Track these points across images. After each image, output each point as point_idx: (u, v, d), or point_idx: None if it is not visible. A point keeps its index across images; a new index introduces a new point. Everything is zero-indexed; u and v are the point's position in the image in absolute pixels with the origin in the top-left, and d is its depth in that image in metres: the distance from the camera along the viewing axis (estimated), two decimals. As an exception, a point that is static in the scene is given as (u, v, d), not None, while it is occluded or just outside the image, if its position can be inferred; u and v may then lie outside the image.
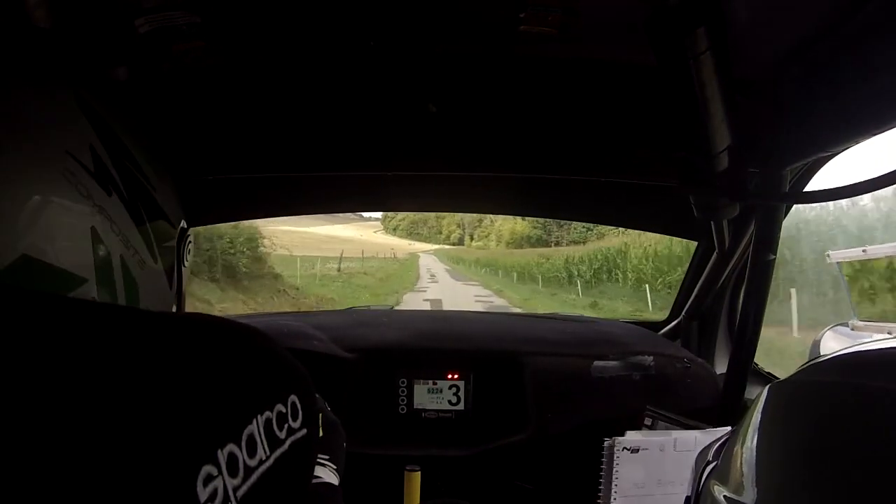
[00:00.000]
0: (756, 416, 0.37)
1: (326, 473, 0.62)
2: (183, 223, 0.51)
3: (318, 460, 0.63)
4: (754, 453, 0.34)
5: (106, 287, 0.39)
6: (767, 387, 0.39)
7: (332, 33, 0.70)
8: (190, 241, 0.52)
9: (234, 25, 0.68)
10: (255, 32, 0.70)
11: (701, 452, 0.53)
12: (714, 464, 0.45)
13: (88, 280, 0.38)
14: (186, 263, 0.52)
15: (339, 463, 0.66)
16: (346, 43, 0.72)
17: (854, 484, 0.27)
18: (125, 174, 0.41)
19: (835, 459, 0.29)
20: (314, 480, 0.60)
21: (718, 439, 0.51)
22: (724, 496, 0.35)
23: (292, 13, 0.65)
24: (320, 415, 0.67)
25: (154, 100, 0.83)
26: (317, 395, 0.75)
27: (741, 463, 0.35)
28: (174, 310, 0.51)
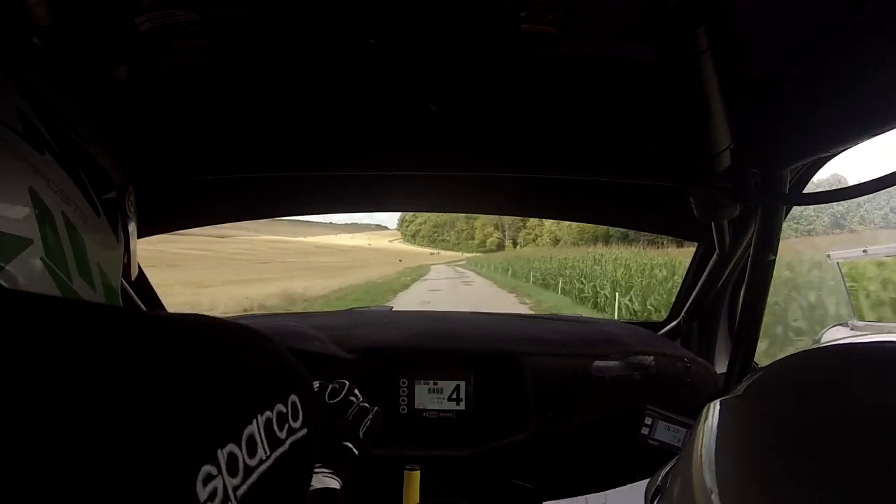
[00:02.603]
0: (709, 432, 0.36)
1: (329, 482, 0.61)
2: (124, 176, 0.51)
3: (322, 472, 0.62)
4: (712, 468, 0.33)
5: (52, 245, 0.40)
6: (718, 401, 0.38)
7: (333, 31, 0.70)
8: (132, 195, 0.52)
9: (234, 23, 0.68)
10: (255, 30, 0.70)
11: (650, 481, 0.52)
12: (663, 492, 0.44)
13: (34, 241, 0.38)
14: (130, 215, 0.52)
15: (343, 475, 0.64)
16: (347, 41, 0.72)
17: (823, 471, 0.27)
18: (56, 133, 0.42)
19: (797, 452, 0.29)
20: (317, 487, 0.59)
21: (667, 466, 0.50)
22: None
23: (293, 10, 0.65)
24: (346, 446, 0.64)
25: (150, 100, 0.83)
26: (356, 392, 0.71)
27: (695, 480, 0.34)
28: (123, 262, 0.51)
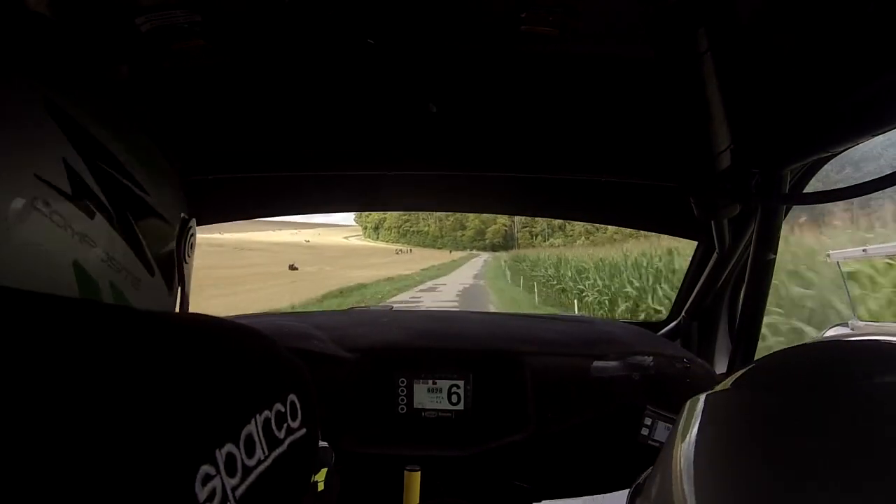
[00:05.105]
0: (692, 427, 0.35)
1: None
2: (183, 214, 0.47)
3: None
4: (690, 463, 0.32)
5: None
6: (702, 396, 0.37)
7: (332, 31, 0.70)
8: (192, 234, 0.48)
9: (234, 24, 0.68)
10: (255, 31, 0.70)
11: (632, 491, 0.50)
12: (641, 491, 0.43)
13: None
14: (188, 260, 0.48)
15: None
16: (346, 41, 0.72)
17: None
18: (108, 185, 0.36)
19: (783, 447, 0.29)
20: None
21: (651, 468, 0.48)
22: None
23: (292, 12, 0.65)
24: None
25: (149, 99, 0.83)
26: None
27: (674, 476, 0.33)
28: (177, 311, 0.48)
